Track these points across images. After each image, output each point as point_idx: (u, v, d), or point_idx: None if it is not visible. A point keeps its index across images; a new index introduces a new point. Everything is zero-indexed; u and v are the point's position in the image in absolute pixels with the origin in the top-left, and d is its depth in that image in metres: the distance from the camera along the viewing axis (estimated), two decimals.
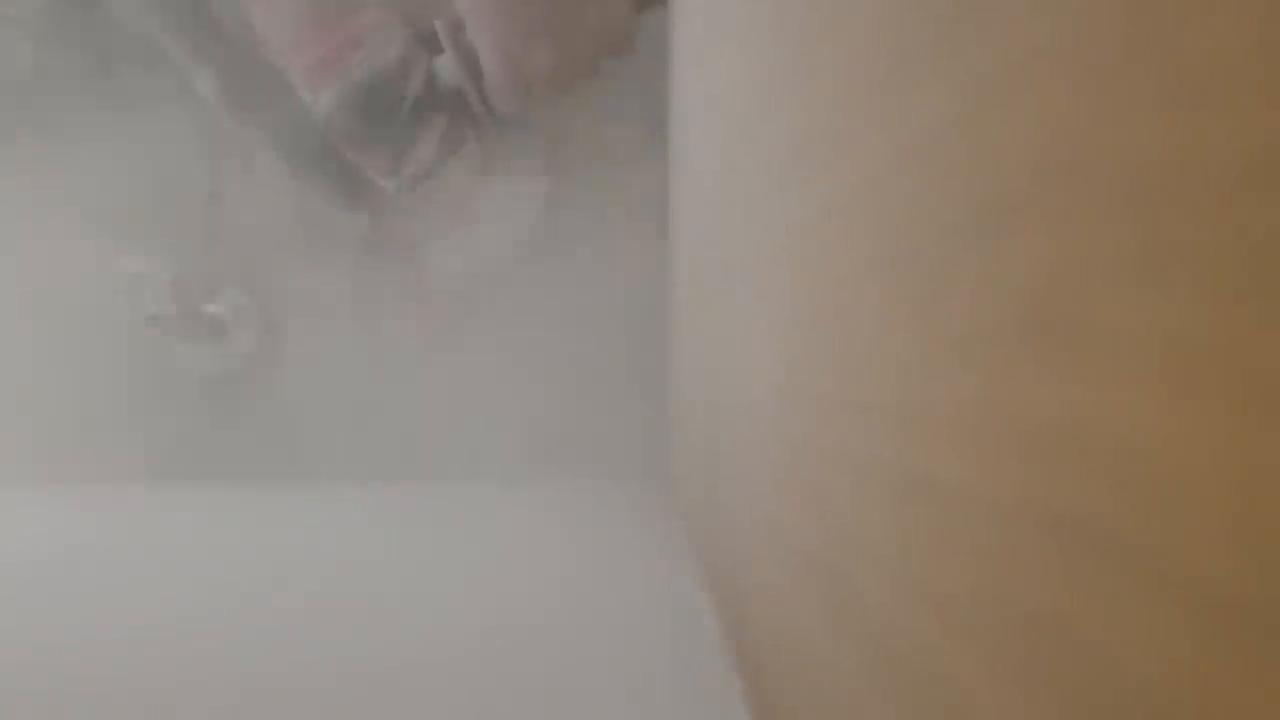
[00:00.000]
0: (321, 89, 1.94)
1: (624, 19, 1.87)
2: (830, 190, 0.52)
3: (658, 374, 2.26)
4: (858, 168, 0.47)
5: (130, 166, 2.34)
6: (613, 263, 2.27)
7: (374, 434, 2.39)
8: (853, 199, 0.48)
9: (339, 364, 2.38)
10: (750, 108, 0.80)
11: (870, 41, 0.45)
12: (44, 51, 2.14)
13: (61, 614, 1.22)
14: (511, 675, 0.89)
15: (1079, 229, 0.24)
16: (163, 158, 2.32)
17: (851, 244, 0.48)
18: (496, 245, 2.22)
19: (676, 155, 1.68)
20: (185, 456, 2.37)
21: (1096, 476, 0.22)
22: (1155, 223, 0.20)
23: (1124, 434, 0.20)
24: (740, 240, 0.88)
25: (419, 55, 2.01)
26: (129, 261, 2.00)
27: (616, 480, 2.27)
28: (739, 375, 0.87)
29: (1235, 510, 0.16)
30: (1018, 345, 0.28)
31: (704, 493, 1.19)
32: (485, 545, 1.57)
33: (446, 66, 2.06)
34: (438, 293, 2.26)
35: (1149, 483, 0.19)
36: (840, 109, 0.51)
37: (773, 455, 0.67)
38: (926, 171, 0.37)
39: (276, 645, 1.03)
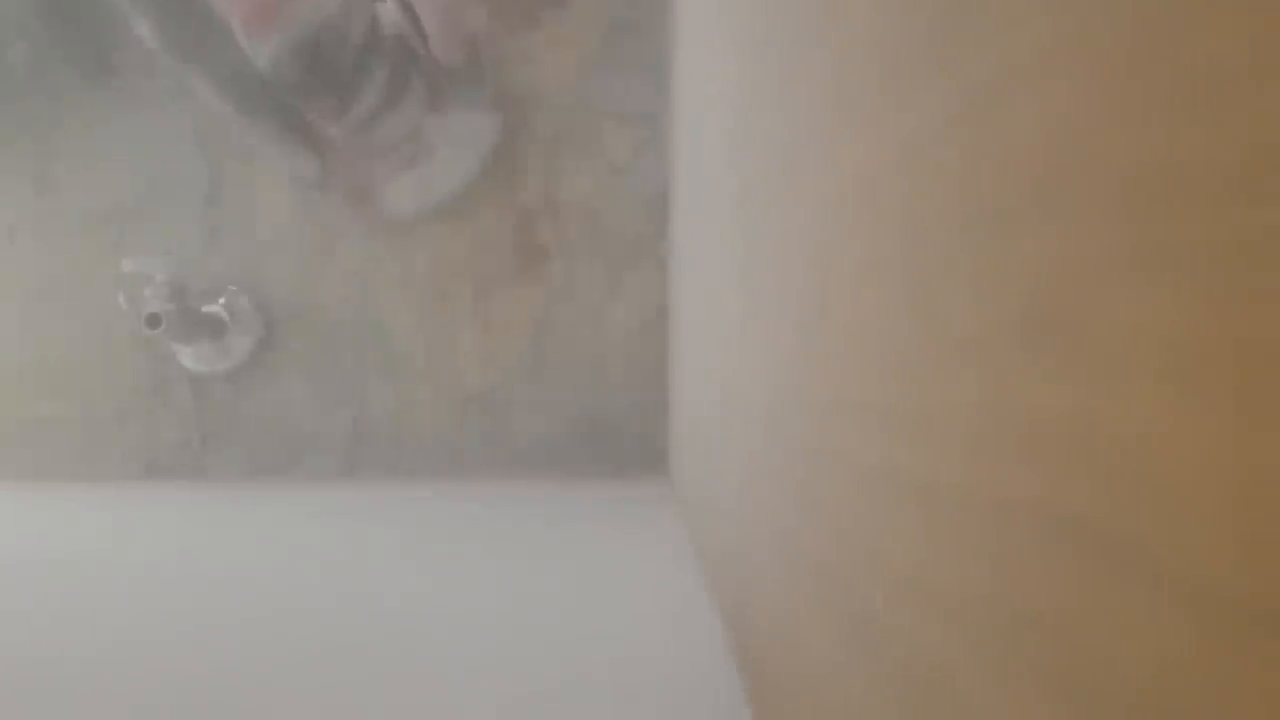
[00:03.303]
0: (263, 37, 1.86)
1: None
2: (829, 189, 0.53)
3: (659, 372, 2.29)
4: (857, 166, 0.48)
5: (130, 166, 2.35)
6: (612, 263, 2.27)
7: (373, 433, 2.39)
8: (852, 198, 0.49)
9: (338, 362, 2.37)
10: (749, 104, 0.81)
11: (869, 39, 0.47)
12: (41, 52, 2.13)
13: (58, 613, 1.23)
14: (510, 674, 0.90)
15: (1081, 229, 0.25)
16: (163, 157, 2.32)
17: (851, 244, 0.48)
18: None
19: (677, 155, 1.69)
20: (185, 456, 2.39)
21: (1101, 477, 0.22)
22: (1158, 222, 0.20)
23: (1129, 434, 0.21)
24: (740, 239, 0.88)
25: (361, 2, 1.96)
26: (129, 261, 1.99)
27: (615, 478, 2.27)
28: (739, 375, 0.88)
29: (1239, 510, 0.16)
30: (1021, 346, 0.29)
31: (705, 492, 1.21)
32: (484, 544, 1.59)
33: (389, 13, 2.02)
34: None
35: (1154, 483, 0.19)
36: (839, 106, 0.52)
37: (773, 456, 0.68)
38: (927, 171, 0.38)
39: (275, 645, 1.05)
